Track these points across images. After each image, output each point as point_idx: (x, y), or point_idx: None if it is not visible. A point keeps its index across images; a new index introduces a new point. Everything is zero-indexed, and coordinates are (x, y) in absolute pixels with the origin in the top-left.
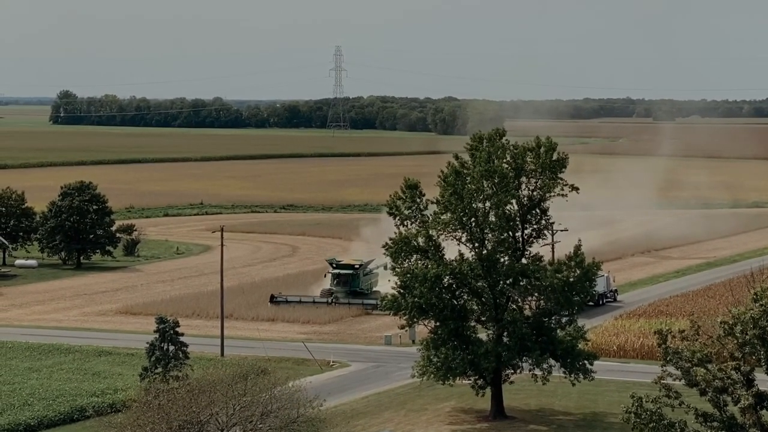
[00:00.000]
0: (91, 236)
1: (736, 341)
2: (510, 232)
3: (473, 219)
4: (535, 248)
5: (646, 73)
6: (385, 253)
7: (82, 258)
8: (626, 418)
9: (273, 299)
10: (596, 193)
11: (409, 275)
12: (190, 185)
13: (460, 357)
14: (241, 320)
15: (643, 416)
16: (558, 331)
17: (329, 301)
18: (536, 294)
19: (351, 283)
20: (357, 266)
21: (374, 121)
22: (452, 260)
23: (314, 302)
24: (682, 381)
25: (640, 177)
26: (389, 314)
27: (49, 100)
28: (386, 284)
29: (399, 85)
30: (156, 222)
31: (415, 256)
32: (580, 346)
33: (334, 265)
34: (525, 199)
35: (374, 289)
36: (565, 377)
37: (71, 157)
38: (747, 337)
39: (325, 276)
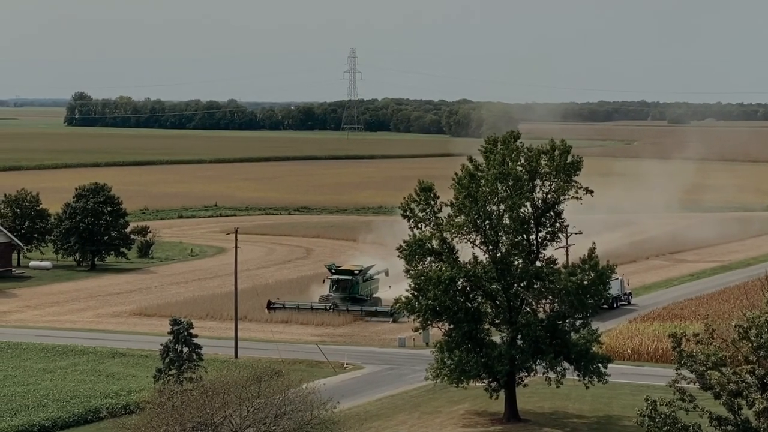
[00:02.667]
0: (106, 238)
1: (750, 345)
2: (524, 235)
3: (487, 221)
4: (549, 251)
5: (660, 76)
6: (399, 256)
7: (96, 259)
8: (640, 421)
9: (270, 305)
10: (617, 195)
11: (423, 278)
12: (205, 187)
13: (473, 360)
14: (255, 322)
15: (657, 419)
16: (572, 334)
17: (327, 307)
18: (550, 297)
19: (350, 289)
20: (356, 272)
21: (388, 123)
22: (466, 263)
23: (312, 308)
24: (697, 384)
25: (659, 180)
26: (389, 322)
27: (64, 102)
28: (387, 290)
29: (413, 88)
30: (170, 224)
31: (429, 258)
32: (594, 349)
33: (333, 271)
34: (539, 201)
35: (374, 295)
36: (579, 380)
37: (86, 158)
38: (762, 340)
39: (323, 282)
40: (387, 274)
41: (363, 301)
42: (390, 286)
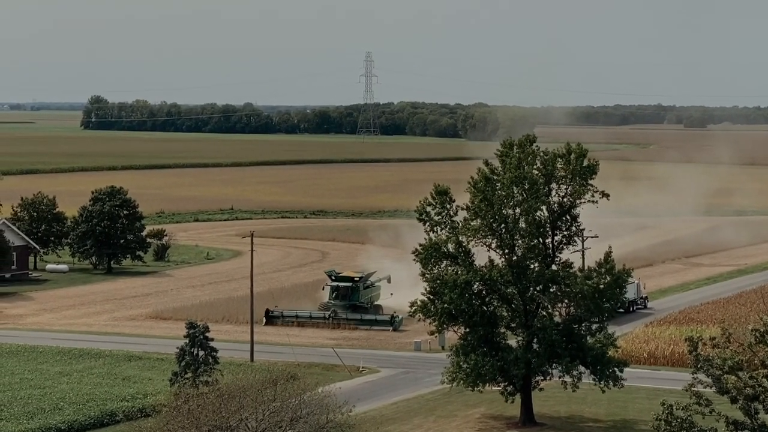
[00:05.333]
0: (122, 241)
1: (767, 349)
2: (540, 239)
3: (503, 225)
4: (566, 255)
5: (676, 80)
6: (415, 259)
7: (112, 263)
8: (656, 425)
9: (268, 315)
10: (639, 199)
11: (438, 281)
12: (221, 190)
13: (489, 363)
14: (270, 325)
15: (673, 424)
16: (588, 338)
17: (327, 315)
18: (566, 301)
19: (350, 297)
20: (357, 279)
21: (404, 126)
22: (482, 266)
23: (311, 317)
24: (713, 388)
25: (676, 183)
26: (389, 330)
27: (80, 106)
28: (388, 298)
29: (429, 91)
30: (186, 227)
31: (444, 262)
32: (610, 353)
33: (333, 278)
34: (555, 205)
35: (376, 303)
36: (595, 384)
37: (102, 162)
38: None
39: (323, 289)
40: (389, 281)
41: (364, 309)
42: (392, 294)
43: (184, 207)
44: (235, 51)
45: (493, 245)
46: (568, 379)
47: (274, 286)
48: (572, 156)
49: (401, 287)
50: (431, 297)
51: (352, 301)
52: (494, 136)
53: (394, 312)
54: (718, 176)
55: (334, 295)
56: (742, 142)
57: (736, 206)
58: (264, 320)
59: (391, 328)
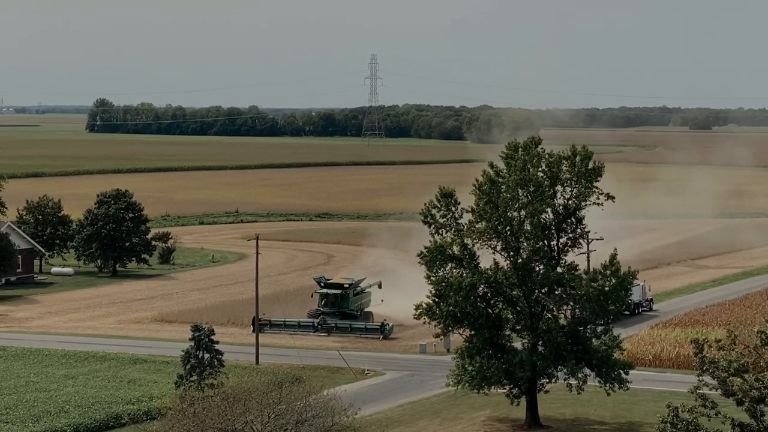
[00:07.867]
0: (127, 244)
1: None
2: (545, 241)
3: (508, 228)
4: (571, 257)
5: (682, 82)
6: (420, 262)
7: (117, 266)
8: (662, 428)
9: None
10: (647, 201)
11: (444, 284)
12: (226, 193)
13: (495, 366)
14: (275, 328)
15: (679, 426)
16: (593, 340)
17: (316, 323)
18: (571, 303)
19: (340, 304)
20: (346, 285)
21: (409, 129)
22: (487, 269)
23: (299, 325)
24: (719, 391)
25: (685, 185)
26: (379, 338)
27: (85, 109)
28: (379, 305)
29: (434, 94)
30: (191, 230)
31: (449, 264)
32: (615, 355)
33: (322, 284)
34: (560, 207)
35: (366, 309)
36: (601, 387)
37: (107, 165)
38: None
39: (312, 296)
40: (380, 286)
41: (353, 317)
42: (382, 300)
43: (189, 210)
44: (240, 54)
45: (498, 247)
46: (573, 381)
47: (279, 289)
48: (577, 158)
49: (404, 290)
50: (436, 299)
51: (342, 308)
52: (499, 139)
53: (384, 320)
54: (729, 178)
55: (323, 302)
56: (749, 144)
57: (747, 208)
58: (251, 327)
59: (381, 336)
